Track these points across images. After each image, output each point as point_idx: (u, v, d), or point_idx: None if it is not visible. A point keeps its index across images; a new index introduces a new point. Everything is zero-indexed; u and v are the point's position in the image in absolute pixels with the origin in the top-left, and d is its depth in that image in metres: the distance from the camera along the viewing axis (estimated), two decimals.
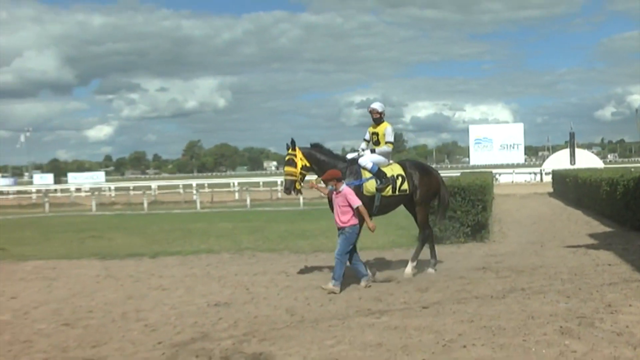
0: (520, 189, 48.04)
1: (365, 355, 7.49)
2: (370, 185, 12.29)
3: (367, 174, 12.36)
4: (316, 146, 12.93)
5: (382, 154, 12.87)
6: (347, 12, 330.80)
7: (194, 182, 69.29)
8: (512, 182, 64.42)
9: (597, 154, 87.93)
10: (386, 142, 12.90)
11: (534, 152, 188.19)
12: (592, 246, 15.79)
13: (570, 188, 31.98)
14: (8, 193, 64.55)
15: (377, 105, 13.13)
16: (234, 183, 63.53)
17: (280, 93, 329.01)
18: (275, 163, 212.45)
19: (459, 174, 27.19)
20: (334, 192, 11.57)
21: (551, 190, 43.30)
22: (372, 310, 9.79)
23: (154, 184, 69.53)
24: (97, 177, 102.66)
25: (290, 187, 12.41)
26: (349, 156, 13.04)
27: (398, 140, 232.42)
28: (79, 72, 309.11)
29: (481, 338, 8.00)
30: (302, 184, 12.61)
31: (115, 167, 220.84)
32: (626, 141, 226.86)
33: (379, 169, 12.46)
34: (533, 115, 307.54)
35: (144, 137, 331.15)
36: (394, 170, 12.69)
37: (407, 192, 12.67)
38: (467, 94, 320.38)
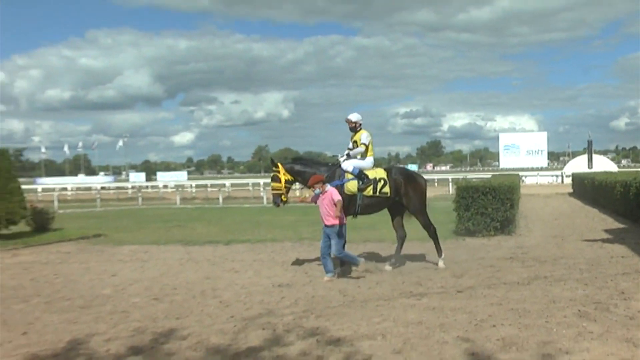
0: (543, 190, 47.31)
1: (407, 331, 7.49)
2: (352, 186, 11.99)
3: (349, 176, 12.12)
4: (296, 160, 12.95)
5: (356, 154, 12.46)
6: (394, 36, 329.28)
7: (261, 181, 69.44)
8: (537, 183, 63.72)
9: (612, 159, 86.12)
10: (360, 144, 12.49)
11: (556, 157, 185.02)
12: (607, 240, 15.55)
13: (588, 189, 31.47)
14: (109, 188, 65.58)
15: (351, 116, 12.77)
16: None
17: (335, 105, 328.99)
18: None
19: (490, 176, 26.93)
20: (320, 195, 11.36)
21: (571, 190, 42.63)
22: (414, 293, 9.79)
23: (227, 182, 69.93)
24: (180, 176, 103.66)
25: (277, 200, 12.34)
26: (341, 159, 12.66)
27: (437, 147, 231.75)
28: (167, 87, 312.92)
29: (508, 319, 7.97)
30: (287, 196, 12.40)
31: (196, 167, 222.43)
32: (638, 148, 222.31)
33: (360, 170, 12.18)
34: (556, 125, 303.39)
35: (219, 143, 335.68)
36: (377, 173, 12.27)
37: (388, 194, 12.16)
38: (497, 106, 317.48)
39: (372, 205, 12.26)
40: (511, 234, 17.01)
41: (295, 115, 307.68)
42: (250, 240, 17.97)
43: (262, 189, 51.45)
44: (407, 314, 8.39)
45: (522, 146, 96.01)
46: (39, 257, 15.96)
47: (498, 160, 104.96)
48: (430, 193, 45.84)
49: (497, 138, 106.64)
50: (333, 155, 12.99)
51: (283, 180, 12.12)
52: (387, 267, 12.30)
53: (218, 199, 44.46)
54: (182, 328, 8.09)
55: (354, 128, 12.61)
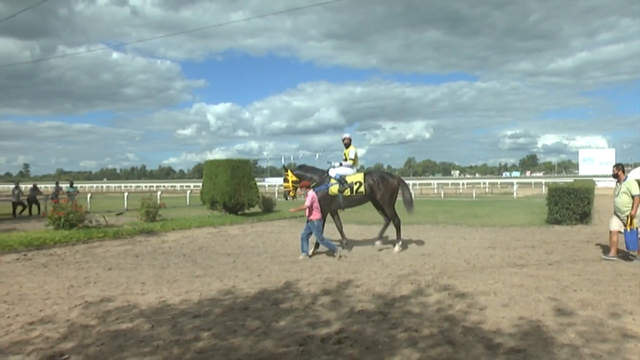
0: (611, 191, 43.33)
1: (512, 291, 7.12)
2: (334, 189, 11.35)
3: (333, 181, 11.48)
4: (301, 166, 12.32)
5: (346, 166, 11.69)
6: (503, 80, 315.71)
7: (410, 182, 68.73)
8: (606, 187, 58.53)
9: None
10: (348, 158, 11.75)
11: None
12: None
13: None
14: None
15: (345, 135, 11.94)
16: (434, 183, 62.40)
17: (462, 130, 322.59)
18: (458, 171, 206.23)
19: (572, 180, 25.16)
20: (305, 196, 10.76)
21: None
22: (517, 264, 9.28)
23: None
24: None
25: (287, 195, 11.95)
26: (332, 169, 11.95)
27: (533, 159, 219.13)
28: (347, 118, 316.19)
29: (586, 286, 7.41)
30: (294, 192, 11.83)
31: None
32: None
33: (341, 177, 11.47)
34: (621, 143, 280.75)
35: (382, 155, 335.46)
36: (355, 178, 11.44)
37: (364, 193, 11.33)
38: (577, 129, 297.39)
39: (352, 201, 11.59)
40: (588, 223, 15.77)
41: (433, 137, 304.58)
42: (403, 222, 17.59)
43: (411, 187, 50.90)
44: (512, 278, 7.97)
45: (595, 159, 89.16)
46: (266, 228, 16.71)
47: (578, 169, 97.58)
48: (527, 192, 43.18)
49: (577, 153, 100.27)
50: (328, 162, 12.31)
51: (290, 181, 11.76)
52: (377, 244, 11.74)
53: None
54: (356, 280, 8.16)
55: (347, 144, 11.89)
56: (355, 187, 11.36)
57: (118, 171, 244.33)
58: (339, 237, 12.27)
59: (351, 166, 11.71)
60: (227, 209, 20.32)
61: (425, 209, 24.74)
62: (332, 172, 11.61)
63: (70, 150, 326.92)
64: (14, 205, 24.05)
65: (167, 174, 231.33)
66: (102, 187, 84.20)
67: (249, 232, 15.79)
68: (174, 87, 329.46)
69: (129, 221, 17.96)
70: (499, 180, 75.30)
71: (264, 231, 15.99)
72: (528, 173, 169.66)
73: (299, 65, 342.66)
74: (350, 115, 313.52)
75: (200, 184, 23.07)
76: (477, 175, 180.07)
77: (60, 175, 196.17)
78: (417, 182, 73.33)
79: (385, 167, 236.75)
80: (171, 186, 74.00)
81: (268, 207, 22.53)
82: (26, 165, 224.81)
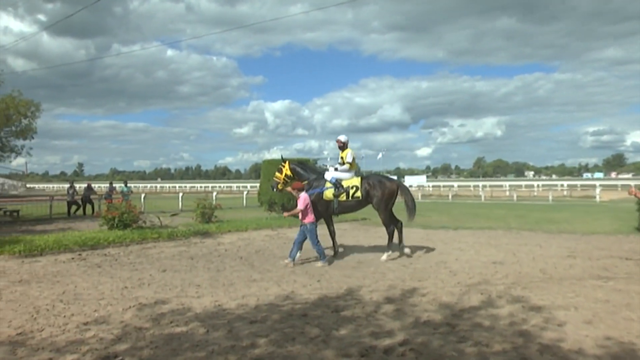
0: None
1: (596, 306, 6.83)
2: (329, 193, 11.18)
3: (328, 184, 11.25)
4: (300, 163, 12.22)
5: (342, 171, 11.46)
6: (586, 71, 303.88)
7: (480, 184, 67.79)
8: None
9: None
10: (345, 162, 11.48)
11: None
12: None
13: None
14: None
15: (341, 137, 11.66)
16: (505, 185, 60.93)
17: (537, 126, 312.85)
18: (532, 172, 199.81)
19: None
20: (297, 198, 10.55)
21: None
22: (601, 276, 8.90)
23: (455, 184, 69.10)
24: (421, 179, 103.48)
25: (274, 186, 11.72)
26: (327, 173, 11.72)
27: (620, 159, 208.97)
28: (412, 115, 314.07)
29: None
30: (283, 185, 11.54)
31: (432, 173, 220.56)
32: None
33: (337, 180, 11.24)
34: None
35: (449, 155, 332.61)
36: (352, 182, 11.28)
37: (360, 198, 11.20)
38: None
39: (347, 207, 11.43)
40: None
41: (505, 134, 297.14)
42: (472, 227, 17.52)
43: (480, 189, 49.99)
44: (595, 292, 7.65)
45: None
46: (326, 231, 16.65)
47: None
48: (613, 195, 41.41)
49: None
50: (323, 164, 12.06)
51: (283, 174, 11.60)
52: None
53: (448, 196, 43.88)
54: (422, 288, 8.09)
55: (342, 147, 11.68)
56: (351, 192, 11.27)
57: (172, 171, 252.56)
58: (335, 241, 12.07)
59: (348, 170, 11.58)
60: (286, 210, 20.50)
61: (495, 213, 24.24)
62: (328, 175, 11.54)
63: (124, 149, 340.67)
64: (69, 204, 25.37)
65: (223, 174, 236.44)
66: (156, 187, 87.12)
67: None
68: (230, 84, 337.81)
69: (184, 222, 18.50)
70: (579, 182, 72.82)
71: (324, 234, 16.00)
72: (613, 174, 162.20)
73: (361, 60, 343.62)
74: (416, 112, 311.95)
75: (258, 185, 23.45)
76: (553, 176, 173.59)
77: (114, 174, 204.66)
78: (488, 183, 71.99)
79: (452, 167, 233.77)
80: (227, 186, 75.79)
81: None
82: (80, 165, 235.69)
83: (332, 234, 11.97)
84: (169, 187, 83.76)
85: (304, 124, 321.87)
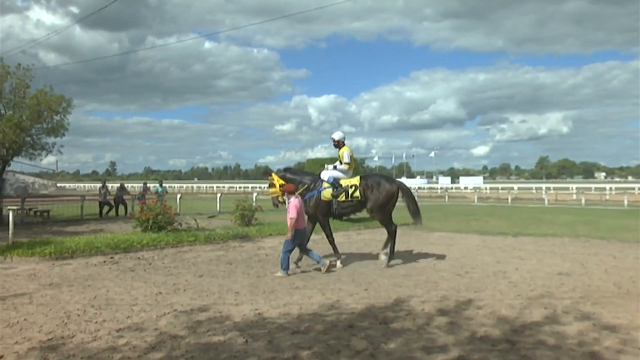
0: None
1: None
2: (327, 193, 11.19)
3: (326, 184, 11.16)
4: (287, 169, 12.18)
5: (340, 170, 11.45)
6: None
7: (543, 186, 66.55)
8: None
9: None
10: (343, 162, 11.46)
11: None
12: None
13: None
14: (424, 188, 66.99)
15: (334, 135, 11.77)
16: (572, 187, 59.47)
17: (611, 122, 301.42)
18: (604, 174, 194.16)
19: None
20: (287, 205, 10.35)
21: None
22: None
23: (515, 186, 67.95)
24: (477, 180, 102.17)
25: (275, 202, 11.72)
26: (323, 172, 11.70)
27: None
28: (468, 111, 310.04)
29: None
30: (283, 198, 11.14)
31: (490, 173, 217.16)
32: None
33: (334, 180, 11.17)
34: None
35: (509, 154, 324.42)
36: (351, 181, 11.32)
37: (359, 198, 11.18)
38: None
39: (347, 208, 11.40)
40: None
41: (573, 131, 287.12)
42: (534, 234, 17.14)
43: (543, 192, 49.02)
44: None
45: None
46: (375, 236, 16.70)
47: None
48: None
49: None
50: (321, 165, 11.81)
51: (278, 186, 11.48)
52: (382, 257, 11.48)
53: (507, 199, 43.19)
54: (478, 299, 7.95)
55: (337, 145, 11.70)
56: (350, 192, 11.31)
57: (210, 170, 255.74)
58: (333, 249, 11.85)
59: (346, 170, 11.62)
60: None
61: (561, 218, 23.69)
62: (324, 174, 11.61)
63: (159, 147, 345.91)
64: (101, 205, 26.01)
65: (264, 173, 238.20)
66: (192, 187, 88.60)
67: (355, 240, 15.90)
68: (271, 78, 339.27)
69: (222, 225, 18.72)
70: None
71: (372, 239, 16.03)
72: None
73: (412, 50, 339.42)
74: (472, 107, 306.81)
75: None
76: (629, 178, 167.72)
77: (148, 174, 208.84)
78: (552, 185, 70.48)
79: (512, 167, 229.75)
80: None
81: None
82: (113, 164, 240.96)
83: (331, 239, 11.86)
84: (206, 187, 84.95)
85: (350, 120, 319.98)
